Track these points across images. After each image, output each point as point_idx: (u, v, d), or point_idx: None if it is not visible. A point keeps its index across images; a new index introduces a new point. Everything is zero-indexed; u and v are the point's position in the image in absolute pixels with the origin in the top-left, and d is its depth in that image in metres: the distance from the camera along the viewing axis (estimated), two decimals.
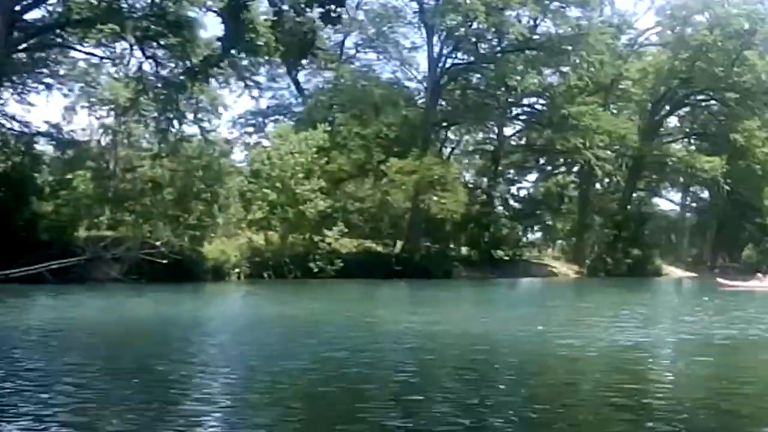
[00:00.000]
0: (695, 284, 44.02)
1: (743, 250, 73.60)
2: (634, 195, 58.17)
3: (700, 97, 56.40)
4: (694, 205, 68.16)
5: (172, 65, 29.72)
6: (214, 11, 26.94)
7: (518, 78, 44.66)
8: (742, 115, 52.53)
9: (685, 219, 69.46)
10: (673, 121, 60.98)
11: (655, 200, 67.64)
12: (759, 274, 34.35)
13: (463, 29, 43.51)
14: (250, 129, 50.66)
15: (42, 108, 52.30)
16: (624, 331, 13.88)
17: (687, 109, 58.74)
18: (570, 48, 45.09)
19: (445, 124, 49.87)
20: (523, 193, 57.37)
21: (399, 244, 42.61)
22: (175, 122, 31.30)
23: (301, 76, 49.95)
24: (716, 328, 14.73)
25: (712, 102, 56.38)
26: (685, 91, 53.89)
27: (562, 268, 49.43)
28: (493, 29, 44.24)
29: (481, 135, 54.45)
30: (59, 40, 30.82)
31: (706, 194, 63.61)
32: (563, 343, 11.69)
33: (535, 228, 57.23)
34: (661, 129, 57.69)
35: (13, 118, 32.71)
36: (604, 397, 7.81)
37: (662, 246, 63.37)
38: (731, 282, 34.69)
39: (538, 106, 50.55)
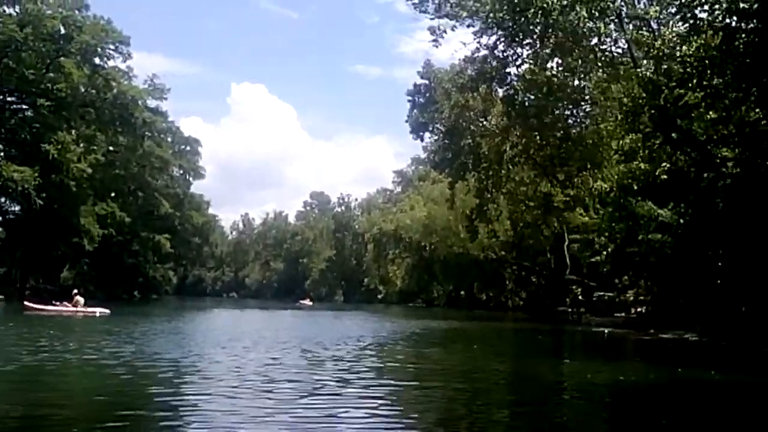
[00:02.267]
0: (1, 308, 39.39)
1: (62, 272, 70.77)
2: None
3: (10, 99, 50.92)
4: (1, 218, 61.23)
5: None
6: None
7: None
8: (56, 125, 49.54)
9: None
10: None
11: None
12: (77, 298, 31.57)
13: None
14: None
15: None
16: None
17: None
18: None
19: None
20: None
21: None
22: None
23: None
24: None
25: (24, 106, 51.58)
26: None
27: None
28: None
29: None
30: None
31: (17, 208, 57.86)
32: None
33: None
34: None
35: None
36: None
37: None
38: (38, 305, 31.42)
39: None
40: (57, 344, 15.89)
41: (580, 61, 34.62)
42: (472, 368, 13.55)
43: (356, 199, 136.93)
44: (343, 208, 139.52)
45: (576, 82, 37.40)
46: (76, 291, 34.16)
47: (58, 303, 32.09)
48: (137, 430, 7.24)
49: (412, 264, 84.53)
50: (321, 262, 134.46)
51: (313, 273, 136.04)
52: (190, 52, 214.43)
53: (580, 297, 42.21)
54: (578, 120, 39.97)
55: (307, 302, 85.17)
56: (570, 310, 45.26)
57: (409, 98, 51.12)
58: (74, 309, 30.85)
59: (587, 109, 38.39)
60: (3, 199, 57.07)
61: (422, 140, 53.03)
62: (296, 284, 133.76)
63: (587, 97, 37.43)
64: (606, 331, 29.32)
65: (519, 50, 34.43)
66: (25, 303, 33.21)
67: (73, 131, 52.36)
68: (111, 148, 60.30)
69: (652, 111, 21.86)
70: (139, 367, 11.60)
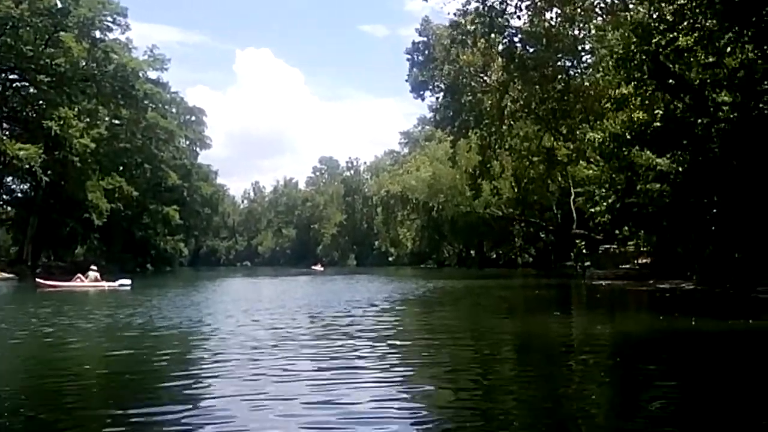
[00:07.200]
0: (13, 286, 39.33)
1: (74, 248, 71.41)
2: None
3: (12, 76, 50.93)
4: (8, 197, 61.72)
5: None
6: None
7: None
8: (57, 101, 49.54)
9: (3, 213, 62.62)
10: None
11: None
12: (91, 273, 31.48)
13: None
14: None
15: None
16: None
17: None
18: None
19: None
20: None
21: None
22: None
23: None
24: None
25: (25, 83, 51.59)
26: None
27: None
28: None
29: None
30: None
31: (25, 186, 58.36)
32: None
33: None
34: None
35: None
36: None
37: None
38: (51, 282, 31.50)
39: None
40: (81, 320, 14.99)
41: (578, 10, 34.14)
42: (474, 326, 14.10)
43: (365, 163, 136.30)
44: (352, 171, 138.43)
45: (576, 32, 36.85)
46: (94, 267, 33.82)
47: (72, 278, 31.79)
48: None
49: (422, 225, 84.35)
50: (332, 227, 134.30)
51: (324, 238, 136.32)
52: (192, 22, 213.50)
53: (584, 251, 42.08)
54: (579, 71, 39.26)
55: (318, 267, 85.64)
56: (575, 264, 45.29)
57: (408, 57, 49.83)
58: (89, 284, 30.66)
59: (587, 59, 37.66)
60: (10, 179, 57.52)
61: (423, 99, 52.01)
62: (308, 250, 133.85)
63: (587, 47, 36.75)
64: (603, 283, 29.58)
65: (517, 1, 34.29)
66: (37, 280, 33.22)
67: (75, 106, 52.25)
68: (114, 121, 60.35)
69: (644, 56, 21.39)
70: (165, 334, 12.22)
